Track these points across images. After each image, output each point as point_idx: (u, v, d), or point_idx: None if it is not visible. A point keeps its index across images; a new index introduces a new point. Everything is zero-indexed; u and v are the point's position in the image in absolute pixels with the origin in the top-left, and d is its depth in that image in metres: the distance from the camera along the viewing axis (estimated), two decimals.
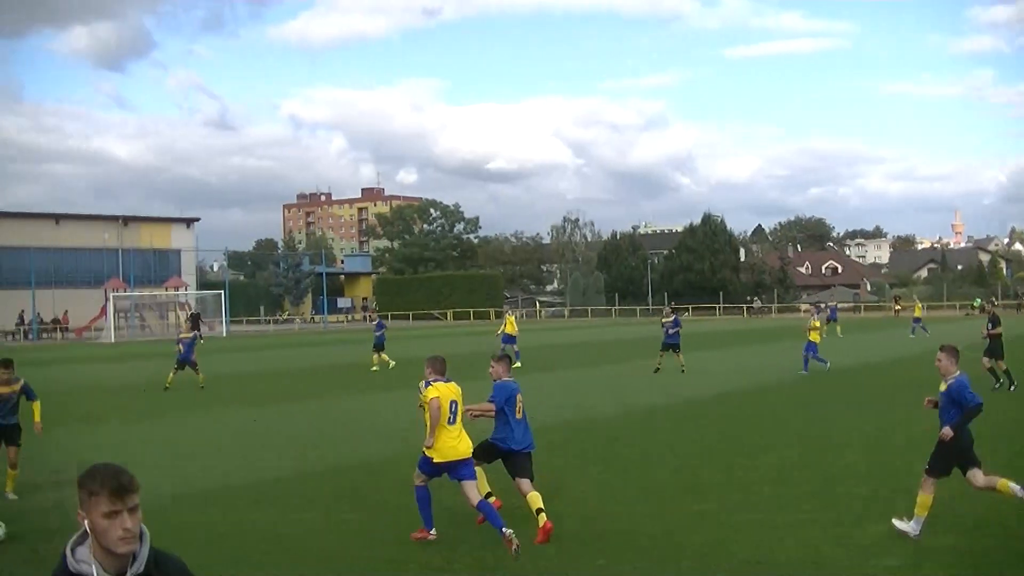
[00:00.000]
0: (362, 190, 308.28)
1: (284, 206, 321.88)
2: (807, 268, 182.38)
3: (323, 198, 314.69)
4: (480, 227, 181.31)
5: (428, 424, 13.40)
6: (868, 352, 50.15)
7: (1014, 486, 13.33)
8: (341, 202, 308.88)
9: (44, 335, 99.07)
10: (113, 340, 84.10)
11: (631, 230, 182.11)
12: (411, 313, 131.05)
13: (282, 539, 13.95)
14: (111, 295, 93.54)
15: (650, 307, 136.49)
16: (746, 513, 14.75)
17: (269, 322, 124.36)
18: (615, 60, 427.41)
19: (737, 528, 13.91)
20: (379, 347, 45.47)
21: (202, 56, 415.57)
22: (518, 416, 14.39)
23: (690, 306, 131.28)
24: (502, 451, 14.21)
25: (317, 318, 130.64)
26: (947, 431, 13.08)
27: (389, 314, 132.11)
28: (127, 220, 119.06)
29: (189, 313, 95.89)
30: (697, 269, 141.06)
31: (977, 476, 13.30)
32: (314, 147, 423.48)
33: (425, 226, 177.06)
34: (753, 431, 23.23)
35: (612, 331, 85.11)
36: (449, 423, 13.37)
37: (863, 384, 34.30)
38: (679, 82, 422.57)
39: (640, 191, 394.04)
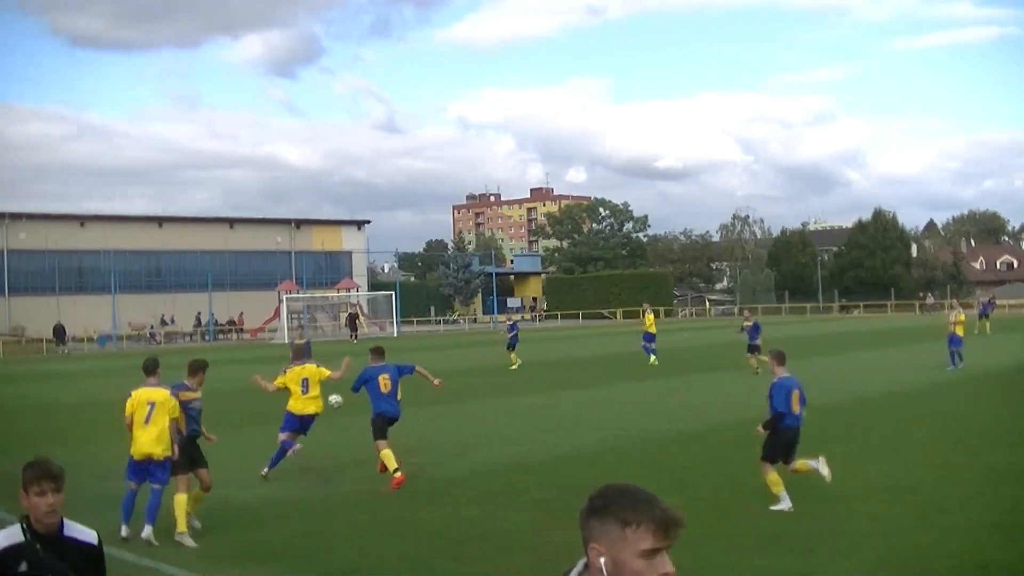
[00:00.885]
0: (531, 190, 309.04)
1: (453, 207, 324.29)
2: (981, 264, 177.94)
3: (492, 198, 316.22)
4: (649, 225, 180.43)
5: None
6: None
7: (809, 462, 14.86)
8: (510, 202, 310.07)
9: (220, 336, 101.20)
10: (286, 341, 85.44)
11: (800, 227, 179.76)
12: (580, 312, 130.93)
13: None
14: (284, 297, 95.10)
15: (820, 304, 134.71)
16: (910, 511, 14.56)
17: (439, 322, 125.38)
18: (781, 55, 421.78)
19: (903, 527, 13.75)
20: (511, 347, 47.40)
21: (370, 61, 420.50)
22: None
23: (861, 303, 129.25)
24: None
25: (486, 318, 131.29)
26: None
27: (559, 313, 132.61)
28: (299, 223, 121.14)
29: (348, 314, 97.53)
30: (868, 266, 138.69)
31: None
32: (482, 148, 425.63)
33: (594, 225, 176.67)
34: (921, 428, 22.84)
35: (783, 329, 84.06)
36: None
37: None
38: (847, 76, 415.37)
39: (809, 187, 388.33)
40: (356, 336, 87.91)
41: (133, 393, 15.05)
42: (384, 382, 18.80)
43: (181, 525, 14.56)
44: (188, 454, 15.33)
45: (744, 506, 15.50)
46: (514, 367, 45.86)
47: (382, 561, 13.24)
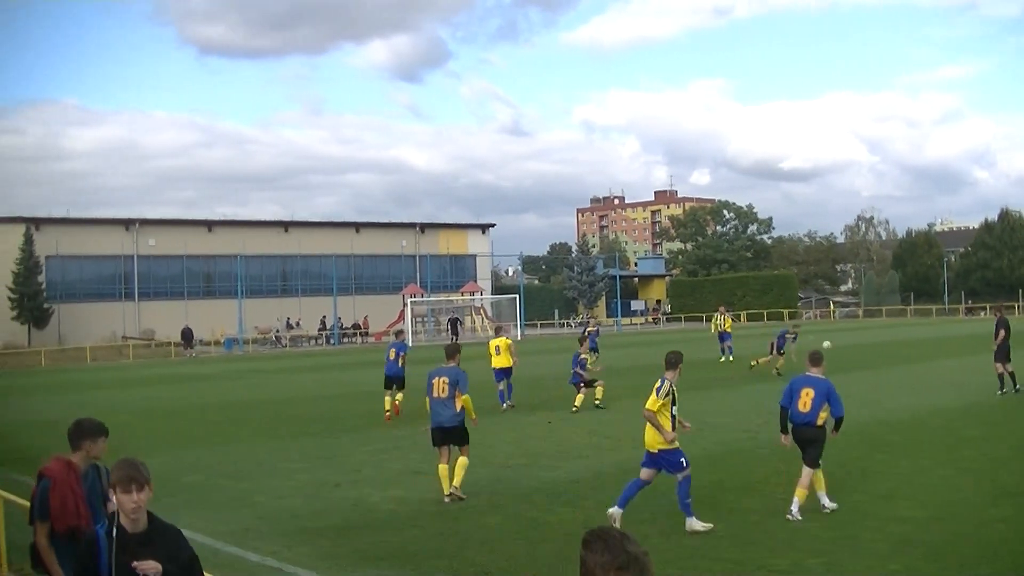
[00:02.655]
0: (655, 192, 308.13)
1: (577, 210, 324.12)
2: None
3: (616, 201, 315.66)
4: (773, 227, 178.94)
5: None
6: None
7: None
8: (634, 205, 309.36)
9: (344, 339, 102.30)
10: (411, 344, 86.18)
11: (926, 227, 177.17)
12: (704, 315, 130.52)
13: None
14: (408, 300, 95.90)
15: (946, 306, 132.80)
16: None
17: (563, 325, 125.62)
18: (908, 53, 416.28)
19: None
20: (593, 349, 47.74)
21: (496, 64, 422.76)
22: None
23: (988, 304, 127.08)
24: None
25: (610, 320, 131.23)
26: None
27: (682, 316, 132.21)
28: (424, 227, 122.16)
29: (449, 319, 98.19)
30: (995, 267, 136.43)
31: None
32: (607, 150, 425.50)
33: (718, 227, 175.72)
34: None
35: (905, 331, 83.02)
36: None
37: None
38: (975, 73, 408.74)
39: (936, 187, 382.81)
40: (457, 339, 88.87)
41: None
42: (440, 385, 17.96)
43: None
44: None
45: (875, 509, 15.48)
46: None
47: (515, 562, 13.45)
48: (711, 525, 14.56)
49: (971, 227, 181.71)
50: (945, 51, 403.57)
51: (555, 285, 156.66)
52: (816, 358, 15.98)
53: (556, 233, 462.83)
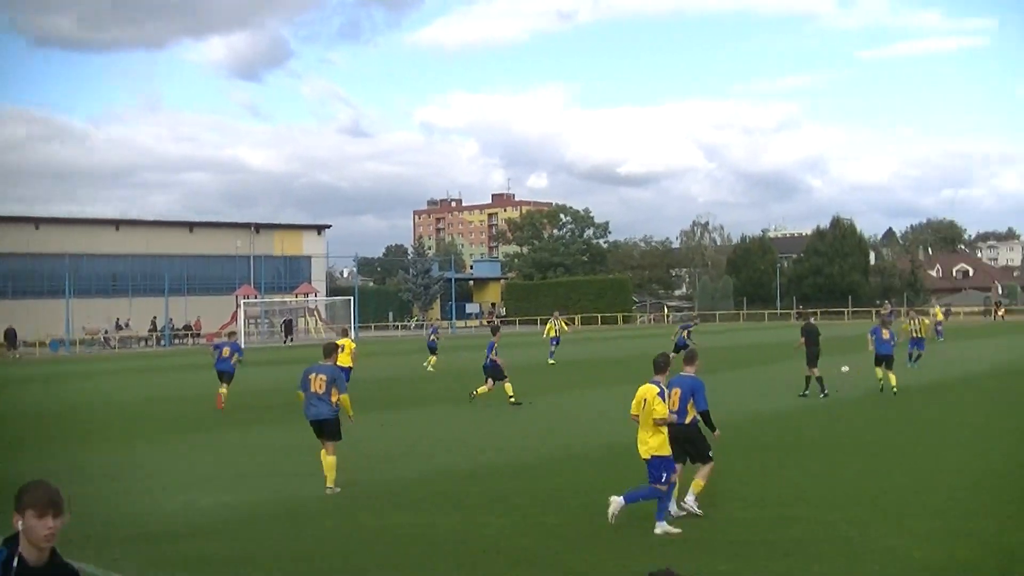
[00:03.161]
0: (492, 195, 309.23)
1: (415, 212, 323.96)
2: (938, 271, 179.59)
3: (454, 204, 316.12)
4: (610, 232, 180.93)
5: None
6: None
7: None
8: (471, 208, 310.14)
9: (176, 341, 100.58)
10: (243, 345, 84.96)
11: (761, 233, 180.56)
12: (538, 318, 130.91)
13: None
14: (242, 301, 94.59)
15: (779, 311, 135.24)
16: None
17: (397, 328, 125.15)
18: (748, 62, 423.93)
19: (875, 531, 13.80)
20: (432, 350, 50.19)
21: (338, 64, 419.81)
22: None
23: (819, 310, 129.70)
24: None
25: (445, 323, 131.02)
26: None
27: (517, 319, 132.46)
28: (259, 227, 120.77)
29: (284, 320, 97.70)
30: (826, 273, 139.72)
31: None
32: (446, 153, 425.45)
33: (555, 231, 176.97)
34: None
35: (739, 335, 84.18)
36: None
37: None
38: (813, 84, 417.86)
39: (771, 194, 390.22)
40: (291, 340, 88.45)
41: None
42: (317, 381, 18.61)
43: None
44: None
45: (713, 510, 15.37)
46: (430, 368, 48.70)
47: (353, 567, 13.10)
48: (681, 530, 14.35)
49: (804, 234, 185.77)
50: (784, 61, 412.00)
51: (391, 287, 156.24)
52: (690, 357, 16.33)
53: (393, 235, 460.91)
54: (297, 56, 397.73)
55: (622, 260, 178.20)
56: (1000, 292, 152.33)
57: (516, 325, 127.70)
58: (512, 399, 31.95)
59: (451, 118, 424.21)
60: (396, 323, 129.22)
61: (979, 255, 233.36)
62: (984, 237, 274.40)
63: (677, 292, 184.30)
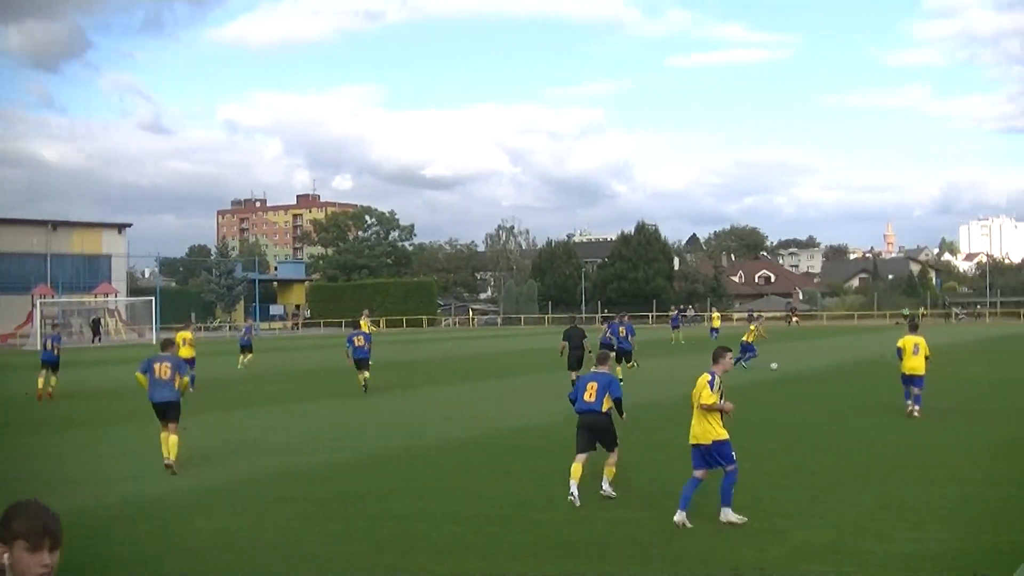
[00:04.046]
0: (297, 196, 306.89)
1: (218, 212, 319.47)
2: (740, 277, 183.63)
3: (258, 204, 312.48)
4: (415, 234, 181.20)
5: None
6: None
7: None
8: (276, 208, 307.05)
9: None
10: (39, 347, 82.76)
11: (566, 238, 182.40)
12: (343, 320, 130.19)
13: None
14: (38, 301, 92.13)
15: (583, 315, 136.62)
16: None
17: (200, 329, 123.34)
18: (555, 68, 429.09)
19: (668, 532, 14.07)
20: (247, 348, 51.14)
21: (139, 58, 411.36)
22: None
23: (624, 314, 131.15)
24: None
25: (243, 325, 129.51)
26: None
27: (321, 321, 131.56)
28: (56, 225, 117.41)
29: (92, 319, 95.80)
30: (631, 277, 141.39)
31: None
32: (250, 152, 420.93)
33: (360, 233, 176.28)
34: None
35: (543, 339, 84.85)
36: None
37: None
38: (618, 91, 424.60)
39: (576, 199, 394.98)
40: (99, 339, 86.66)
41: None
42: (162, 369, 20.56)
43: None
44: None
45: (527, 513, 15.44)
46: (241, 367, 49.42)
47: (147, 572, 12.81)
48: (745, 518, 14.78)
49: (609, 239, 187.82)
50: (590, 67, 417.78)
51: (193, 288, 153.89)
52: (602, 357, 18.21)
53: (196, 235, 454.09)
54: (96, 48, 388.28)
55: (427, 263, 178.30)
56: (801, 298, 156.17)
57: (321, 327, 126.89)
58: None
59: (255, 117, 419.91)
60: (199, 324, 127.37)
61: (781, 262, 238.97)
62: (786, 244, 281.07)
63: (482, 295, 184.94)
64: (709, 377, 15.22)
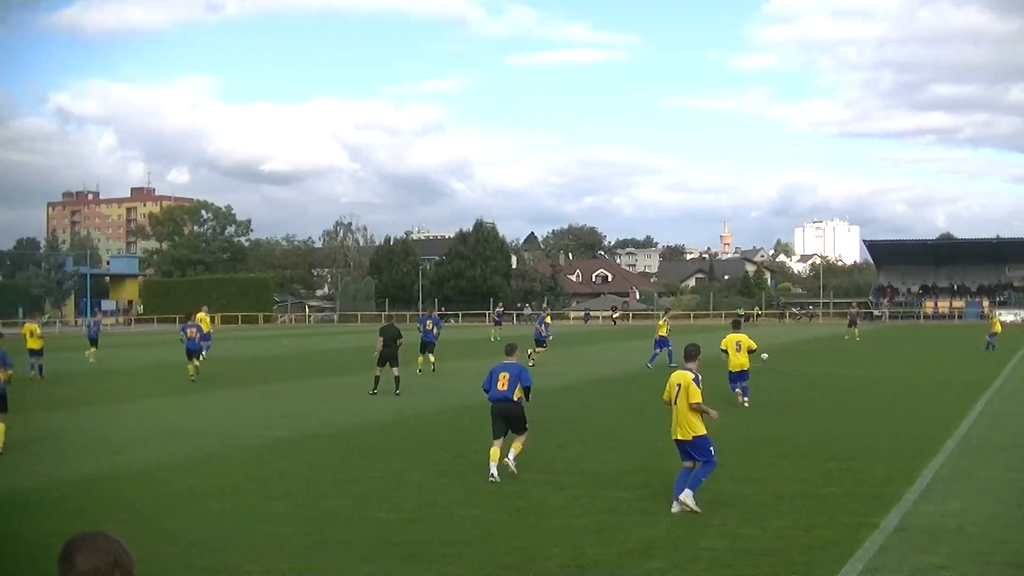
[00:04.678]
0: (131, 189, 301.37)
1: (49, 204, 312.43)
2: (578, 276, 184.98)
3: (90, 197, 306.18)
4: (252, 230, 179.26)
5: None
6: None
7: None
8: (109, 201, 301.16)
9: None
10: None
11: (404, 235, 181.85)
12: (177, 316, 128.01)
13: None
14: None
15: (420, 313, 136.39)
16: (514, 515, 15.00)
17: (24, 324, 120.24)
18: (397, 64, 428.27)
19: (506, 531, 14.08)
20: (94, 342, 52.10)
21: None
22: None
23: (460, 312, 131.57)
24: None
25: (80, 320, 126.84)
26: None
27: (155, 317, 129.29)
28: None
29: None
30: (468, 275, 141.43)
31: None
32: (83, 143, 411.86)
33: (196, 228, 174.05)
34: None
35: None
36: None
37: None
38: (460, 88, 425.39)
39: (415, 196, 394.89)
40: None
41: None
42: None
43: None
44: None
45: (354, 512, 15.24)
46: (92, 361, 49.77)
47: None
48: (700, 510, 15.03)
49: (447, 236, 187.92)
50: (431, 64, 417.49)
51: (20, 282, 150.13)
52: (510, 349, 19.50)
53: (25, 228, 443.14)
54: None
55: (264, 259, 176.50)
56: (638, 298, 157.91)
57: (154, 323, 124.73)
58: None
59: (88, 106, 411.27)
60: (24, 320, 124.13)
61: (618, 261, 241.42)
62: (624, 244, 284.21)
63: (319, 292, 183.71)
64: (693, 376, 15.73)
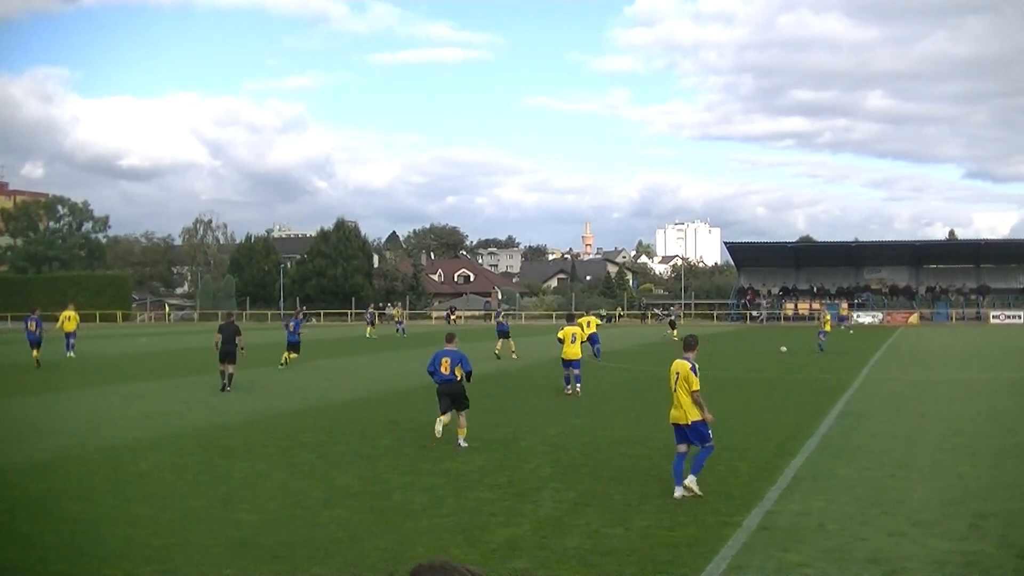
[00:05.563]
0: None
1: None
2: (440, 276, 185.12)
3: None
4: (110, 226, 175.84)
5: None
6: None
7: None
8: None
9: None
10: None
11: (265, 233, 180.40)
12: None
13: None
14: None
15: (281, 312, 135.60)
16: (378, 516, 15.00)
17: None
18: (258, 59, 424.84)
19: (371, 532, 14.07)
20: None
21: None
22: None
23: (322, 311, 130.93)
24: None
25: None
26: None
27: (9, 315, 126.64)
28: None
29: None
30: (330, 274, 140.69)
31: None
32: None
33: (51, 224, 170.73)
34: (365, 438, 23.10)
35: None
36: None
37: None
38: (321, 85, 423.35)
39: (276, 194, 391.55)
40: None
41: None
42: None
43: None
44: None
45: (217, 513, 15.06)
46: None
47: None
48: (702, 493, 16.13)
49: (309, 235, 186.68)
50: (293, 61, 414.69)
51: None
52: (450, 337, 23.28)
53: None
54: None
55: (122, 256, 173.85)
56: (500, 297, 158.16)
57: (8, 321, 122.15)
58: None
59: None
60: None
61: (480, 261, 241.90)
62: (486, 244, 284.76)
63: (179, 290, 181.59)
64: (690, 365, 16.78)
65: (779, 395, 33.46)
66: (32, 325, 46.55)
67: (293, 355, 45.01)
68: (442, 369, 22.07)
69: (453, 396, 21.95)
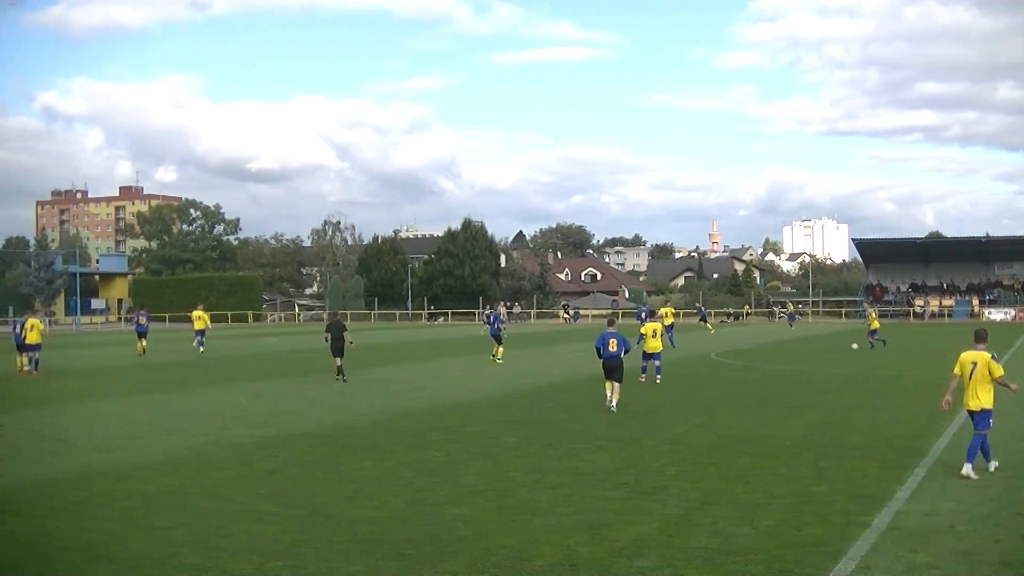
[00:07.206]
0: (120, 188, 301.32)
1: (37, 203, 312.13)
2: (567, 275, 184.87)
3: (79, 195, 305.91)
4: (240, 228, 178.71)
5: None
6: None
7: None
8: (98, 200, 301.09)
9: None
10: None
11: (392, 234, 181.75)
12: (167, 315, 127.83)
13: None
14: None
15: (409, 311, 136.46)
16: (503, 514, 14.91)
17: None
18: (382, 62, 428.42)
19: (496, 530, 13.96)
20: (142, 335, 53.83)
21: None
22: None
23: (449, 311, 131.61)
24: None
25: (68, 319, 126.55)
26: None
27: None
28: None
29: None
30: (457, 274, 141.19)
31: None
32: (70, 142, 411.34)
33: (184, 226, 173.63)
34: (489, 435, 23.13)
35: (370, 335, 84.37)
36: None
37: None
38: (445, 86, 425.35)
39: (403, 195, 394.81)
40: None
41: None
42: None
43: None
44: None
45: (344, 510, 15.21)
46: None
47: None
48: (977, 477, 17.21)
49: (435, 235, 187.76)
50: (417, 62, 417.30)
51: (10, 281, 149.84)
52: (611, 321, 28.98)
53: (13, 226, 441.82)
54: None
55: (252, 258, 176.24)
56: (627, 296, 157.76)
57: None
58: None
59: (75, 105, 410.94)
60: (14, 319, 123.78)
61: (607, 260, 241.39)
62: (612, 243, 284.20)
63: (308, 291, 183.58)
64: (990, 355, 17.86)
65: (903, 393, 32.90)
66: (142, 319, 54.39)
67: (500, 349, 47.30)
68: (610, 347, 27.14)
69: (616, 369, 27.12)
